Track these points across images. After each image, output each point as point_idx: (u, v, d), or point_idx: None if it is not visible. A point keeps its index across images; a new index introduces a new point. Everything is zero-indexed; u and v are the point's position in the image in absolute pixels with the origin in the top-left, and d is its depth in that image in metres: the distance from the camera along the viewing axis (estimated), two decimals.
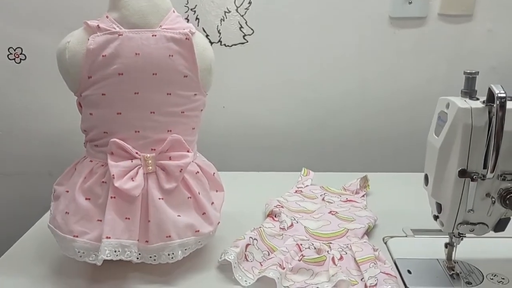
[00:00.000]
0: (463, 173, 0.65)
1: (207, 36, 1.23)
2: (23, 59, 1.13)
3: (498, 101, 0.59)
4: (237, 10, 1.22)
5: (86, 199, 0.72)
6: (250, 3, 1.21)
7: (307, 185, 1.04)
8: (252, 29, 1.23)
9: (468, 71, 0.67)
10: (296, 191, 1.02)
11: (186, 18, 1.21)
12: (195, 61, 0.74)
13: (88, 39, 0.71)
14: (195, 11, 1.22)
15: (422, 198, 0.96)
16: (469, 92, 0.67)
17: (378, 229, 0.88)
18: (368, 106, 1.29)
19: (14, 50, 1.12)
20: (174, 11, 0.77)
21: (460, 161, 0.65)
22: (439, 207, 0.70)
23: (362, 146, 1.31)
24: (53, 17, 1.10)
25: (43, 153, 1.21)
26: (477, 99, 0.65)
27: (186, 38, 0.73)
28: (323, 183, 1.06)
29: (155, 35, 0.72)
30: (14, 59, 1.13)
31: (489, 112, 0.63)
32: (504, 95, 0.59)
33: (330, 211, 0.91)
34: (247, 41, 1.24)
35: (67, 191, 0.74)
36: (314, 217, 0.89)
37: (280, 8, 1.21)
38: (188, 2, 1.20)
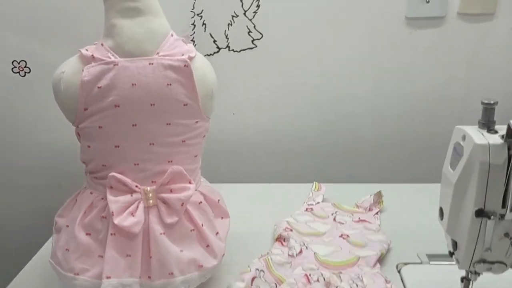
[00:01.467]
0: (480, 213, 0.60)
1: (214, 41, 1.19)
2: (27, 72, 1.11)
3: None
4: (245, 14, 1.17)
5: (86, 234, 0.70)
6: (258, 6, 1.16)
7: (318, 202, 1.01)
8: (261, 33, 1.18)
9: (486, 101, 0.62)
10: (306, 208, 0.98)
11: (193, 24, 1.17)
12: (195, 89, 0.71)
13: (83, 70, 0.68)
14: (201, 16, 1.17)
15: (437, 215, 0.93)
16: (487, 123, 0.62)
17: (392, 254, 0.84)
18: (382, 110, 1.24)
19: (18, 63, 1.10)
20: (172, 35, 0.73)
21: (477, 200, 0.60)
22: (455, 244, 0.66)
23: (375, 151, 1.27)
24: (57, 29, 1.07)
25: (52, 165, 1.20)
26: (496, 131, 0.60)
27: (185, 65, 0.69)
28: (335, 198, 1.02)
29: (152, 63, 0.68)
30: (19, 72, 1.11)
31: (509, 149, 0.58)
32: None
33: (341, 235, 0.87)
34: (256, 46, 1.20)
35: (67, 226, 0.72)
36: (324, 241, 0.86)
37: (289, 10, 1.16)
38: (194, 7, 1.16)
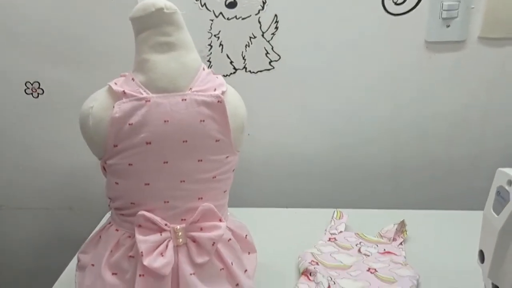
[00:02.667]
0: None
1: (231, 62, 1.17)
2: (40, 94, 1.08)
3: None
4: (263, 36, 1.15)
5: (112, 274, 0.68)
6: (276, 28, 1.14)
7: (340, 231, 0.99)
8: (278, 55, 1.17)
9: None
10: (329, 238, 0.96)
11: (209, 45, 1.15)
12: (228, 124, 0.69)
13: (114, 106, 0.65)
14: (218, 37, 1.15)
15: (468, 246, 0.91)
16: None
17: None
18: (401, 134, 1.22)
19: (32, 85, 1.07)
20: (204, 69, 0.71)
21: None
22: None
23: (394, 176, 1.25)
24: (70, 51, 1.05)
25: (63, 187, 1.17)
26: None
27: (218, 101, 0.67)
28: (356, 225, 1.00)
29: (185, 99, 0.66)
30: (32, 93, 1.08)
31: None
32: None
33: (369, 269, 0.85)
34: (273, 67, 1.18)
35: (93, 265, 0.70)
36: (351, 275, 0.84)
37: (308, 33, 1.14)
38: (211, 28, 1.14)
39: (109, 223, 0.73)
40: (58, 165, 1.15)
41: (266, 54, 1.17)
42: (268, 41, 1.16)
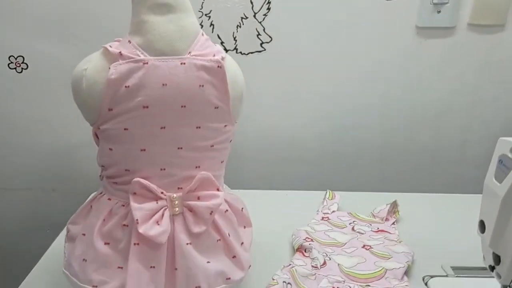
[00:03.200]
0: None
1: (222, 43, 1.15)
2: (24, 68, 1.04)
3: None
4: (254, 16, 1.14)
5: (105, 244, 0.65)
6: (269, 9, 1.13)
7: (333, 211, 0.98)
8: (270, 37, 1.15)
9: None
10: (322, 217, 0.95)
11: (200, 24, 1.13)
12: (227, 91, 0.67)
13: (109, 68, 0.63)
14: (209, 17, 1.13)
15: (455, 227, 0.92)
16: None
17: (416, 265, 0.82)
18: (391, 119, 1.22)
19: (15, 59, 1.03)
20: (203, 34, 0.69)
21: None
22: (497, 258, 0.64)
23: (384, 160, 1.25)
24: (56, 24, 1.01)
25: (47, 167, 1.13)
26: None
27: (218, 66, 0.66)
28: (349, 206, 1.00)
29: (184, 63, 0.64)
30: (15, 68, 1.04)
31: None
32: None
33: (364, 246, 0.85)
34: (265, 49, 1.16)
35: (84, 234, 0.67)
36: (346, 252, 0.83)
37: (300, 15, 1.13)
38: (202, 7, 1.12)
39: (101, 193, 0.70)
40: (42, 144, 1.10)
41: (257, 36, 1.16)
42: (260, 22, 1.14)
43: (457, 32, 1.15)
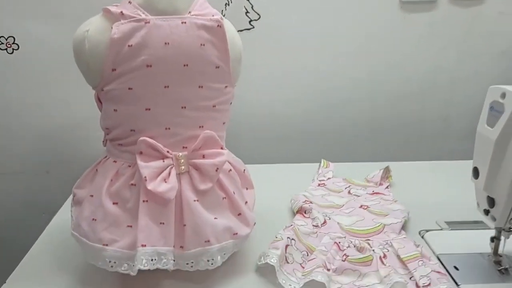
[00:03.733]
0: None
1: None
2: (15, 49, 1.04)
3: None
4: None
5: (113, 203, 0.66)
6: None
7: (329, 178, 1.00)
8: (258, 14, 1.17)
9: None
10: (319, 184, 0.98)
11: None
12: (227, 51, 0.68)
13: (112, 28, 0.64)
14: None
15: (447, 188, 0.96)
16: None
17: (411, 223, 0.85)
18: (378, 94, 1.26)
19: (6, 40, 1.03)
20: None
21: None
22: (492, 201, 0.67)
23: (373, 135, 1.28)
24: (47, 4, 1.01)
25: (40, 150, 1.12)
26: None
27: (218, 25, 0.67)
28: (343, 175, 1.02)
29: (185, 22, 0.66)
30: (6, 49, 1.03)
31: None
32: None
33: (361, 206, 0.87)
34: (253, 27, 1.18)
35: (92, 196, 0.68)
36: (345, 212, 0.86)
37: None
38: None
39: (105, 157, 0.71)
40: (35, 126, 1.10)
41: (246, 13, 1.18)
42: (248, 0, 1.16)
43: (439, 6, 1.19)
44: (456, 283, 0.69)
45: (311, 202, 0.87)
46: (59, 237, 0.81)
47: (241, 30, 1.18)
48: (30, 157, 1.13)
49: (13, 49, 1.03)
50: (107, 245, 0.64)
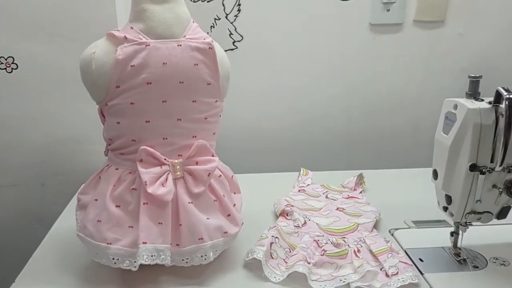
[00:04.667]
0: (473, 167, 0.72)
1: None
2: (14, 69, 1.10)
3: (507, 102, 0.67)
4: (226, 17, 1.26)
5: (116, 206, 0.74)
6: (239, 10, 1.25)
7: (308, 184, 1.09)
8: (241, 36, 1.27)
9: (473, 75, 0.74)
10: (299, 190, 1.07)
11: None
12: (217, 69, 0.78)
13: (116, 50, 0.72)
14: None
15: (414, 192, 1.06)
16: (473, 94, 0.74)
17: (382, 223, 0.94)
18: (353, 109, 1.36)
19: (6, 60, 1.09)
20: (193, 22, 0.79)
21: (471, 157, 0.72)
22: (449, 199, 0.77)
23: (348, 145, 1.38)
24: (45, 25, 1.08)
25: (35, 163, 1.18)
26: (482, 100, 0.73)
27: (209, 48, 0.76)
28: (321, 182, 1.11)
29: (180, 45, 0.74)
30: (5, 68, 1.10)
31: (496, 112, 0.70)
32: None
33: (337, 208, 0.96)
34: (237, 47, 1.28)
35: (96, 200, 0.75)
36: (323, 214, 0.95)
37: (268, 15, 1.26)
38: None
39: (107, 165, 0.79)
40: (30, 140, 1.16)
41: (230, 35, 1.27)
42: (232, 23, 1.26)
43: (405, 28, 1.31)
44: (421, 272, 0.78)
45: (292, 206, 0.96)
46: (61, 243, 0.88)
47: (226, 50, 1.27)
48: (26, 170, 1.19)
49: (12, 68, 1.10)
50: (111, 243, 0.72)
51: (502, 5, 1.30)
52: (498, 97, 0.69)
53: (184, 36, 0.76)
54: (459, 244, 0.82)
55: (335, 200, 1.01)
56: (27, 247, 0.91)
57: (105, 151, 0.82)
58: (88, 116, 1.06)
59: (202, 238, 0.74)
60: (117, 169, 0.77)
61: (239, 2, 1.24)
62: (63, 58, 1.10)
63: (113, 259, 0.72)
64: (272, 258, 0.80)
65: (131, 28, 0.75)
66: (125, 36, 0.73)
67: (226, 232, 0.77)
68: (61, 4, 1.07)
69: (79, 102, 1.10)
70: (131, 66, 0.72)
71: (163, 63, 0.73)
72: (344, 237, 0.86)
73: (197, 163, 0.77)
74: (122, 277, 0.77)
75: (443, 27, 1.32)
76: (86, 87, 0.77)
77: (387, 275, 0.75)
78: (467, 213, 0.76)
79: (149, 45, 0.73)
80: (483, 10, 1.30)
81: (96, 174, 0.80)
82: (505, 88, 0.69)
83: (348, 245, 0.81)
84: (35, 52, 1.10)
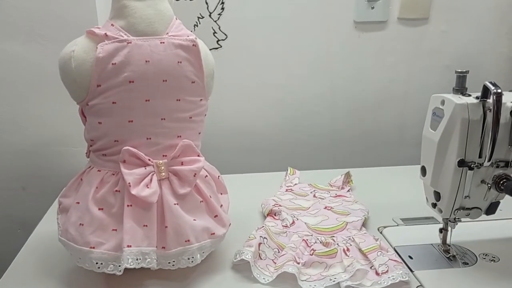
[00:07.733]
0: (461, 163, 0.71)
1: None
2: None
3: (494, 97, 0.66)
4: (210, 16, 1.24)
5: (99, 209, 0.71)
6: (223, 9, 1.24)
7: (295, 184, 1.08)
8: (225, 34, 1.26)
9: (459, 70, 0.73)
10: (286, 189, 1.05)
11: None
12: (201, 67, 0.76)
13: (97, 48, 0.70)
14: None
15: (402, 190, 1.06)
16: (461, 89, 0.73)
17: (371, 221, 0.93)
18: (338, 107, 1.36)
19: None
20: (176, 19, 0.78)
21: (459, 152, 0.71)
22: (438, 195, 0.76)
23: (334, 144, 1.38)
24: (24, 24, 1.05)
25: (15, 167, 1.15)
26: (469, 95, 0.72)
27: (193, 45, 0.75)
28: (309, 181, 1.10)
29: (163, 42, 0.73)
30: None
31: (483, 107, 0.70)
32: (500, 91, 0.66)
33: (325, 207, 0.95)
34: (221, 46, 1.27)
35: (78, 203, 0.73)
36: (311, 213, 0.93)
37: (252, 14, 1.24)
38: None
39: (89, 167, 0.76)
40: (10, 143, 1.12)
41: (213, 34, 1.26)
42: (215, 21, 1.24)
43: (389, 25, 1.31)
44: (410, 269, 0.77)
45: (280, 205, 0.94)
46: (43, 247, 0.85)
47: (210, 49, 1.25)
48: (6, 173, 1.15)
49: None
50: (94, 247, 0.69)
51: (485, 2, 1.31)
52: (486, 92, 0.69)
53: (167, 33, 0.74)
54: (448, 241, 0.81)
55: (323, 199, 1.00)
56: (8, 251, 0.89)
57: (86, 153, 0.79)
58: (69, 117, 1.04)
59: (188, 240, 0.72)
60: (99, 170, 0.74)
61: (222, 0, 1.23)
62: (43, 59, 1.07)
63: (97, 263, 0.69)
64: (261, 258, 0.78)
65: (112, 25, 0.73)
66: (105, 34, 0.71)
67: (213, 234, 0.75)
68: (40, 3, 1.04)
69: (60, 103, 1.07)
70: (112, 64, 0.70)
71: (146, 61, 0.71)
72: (333, 236, 0.85)
73: (182, 164, 0.75)
74: (106, 281, 0.75)
75: (427, 24, 1.32)
76: (65, 86, 0.74)
77: (377, 273, 0.74)
78: (456, 209, 0.75)
79: (130, 43, 0.71)
80: (466, 7, 1.31)
81: (77, 176, 0.77)
82: (493, 82, 0.68)
83: (337, 244, 0.80)
84: (13, 52, 1.07)
